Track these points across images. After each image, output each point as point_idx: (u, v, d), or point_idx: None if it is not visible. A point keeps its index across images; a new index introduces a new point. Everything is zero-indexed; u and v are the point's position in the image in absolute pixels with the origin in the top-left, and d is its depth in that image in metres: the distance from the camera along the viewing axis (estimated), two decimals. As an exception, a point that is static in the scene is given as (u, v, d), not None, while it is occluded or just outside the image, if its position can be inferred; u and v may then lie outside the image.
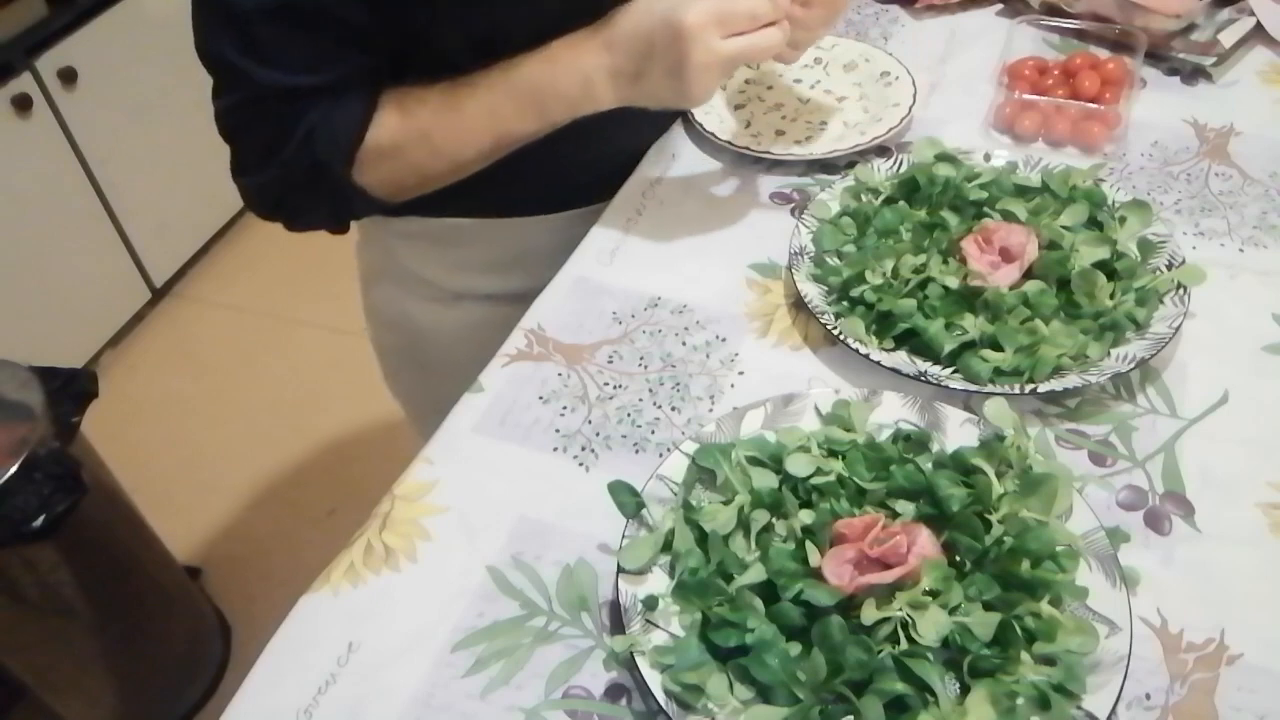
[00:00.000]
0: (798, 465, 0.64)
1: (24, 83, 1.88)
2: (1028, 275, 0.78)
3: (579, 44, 0.78)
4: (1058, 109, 0.97)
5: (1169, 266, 0.79)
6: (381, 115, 0.79)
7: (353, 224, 1.05)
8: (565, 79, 0.78)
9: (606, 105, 0.79)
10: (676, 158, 0.98)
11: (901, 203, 0.86)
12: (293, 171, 0.79)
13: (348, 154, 0.79)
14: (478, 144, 0.80)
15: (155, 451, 2.04)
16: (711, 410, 0.74)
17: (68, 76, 1.95)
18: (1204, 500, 0.67)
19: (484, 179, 0.83)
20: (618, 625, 0.61)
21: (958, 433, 0.68)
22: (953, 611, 0.57)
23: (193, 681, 1.62)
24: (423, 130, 0.79)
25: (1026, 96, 0.98)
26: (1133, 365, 0.71)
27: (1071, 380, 0.71)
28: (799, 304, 0.80)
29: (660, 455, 0.69)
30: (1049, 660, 0.56)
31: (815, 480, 0.64)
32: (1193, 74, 1.05)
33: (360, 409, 2.09)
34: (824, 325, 0.76)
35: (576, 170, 0.93)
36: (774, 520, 0.63)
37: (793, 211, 0.91)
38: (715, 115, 1.00)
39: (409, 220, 0.97)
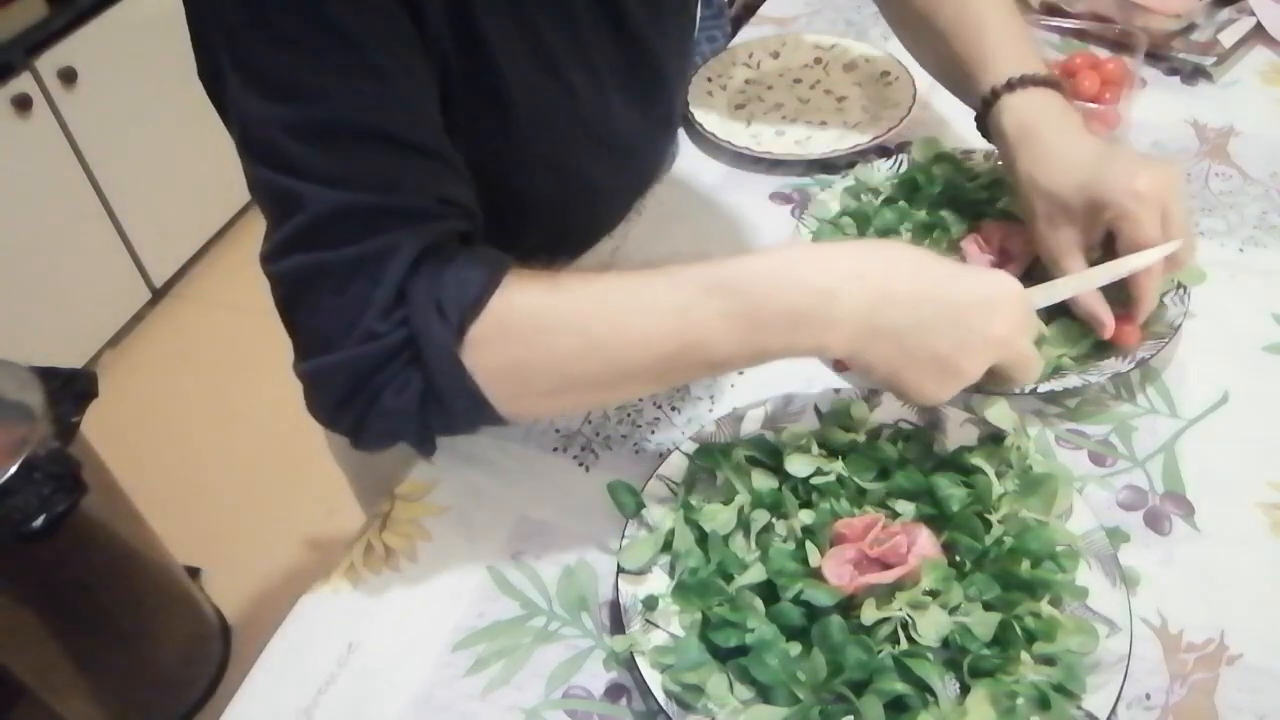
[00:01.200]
0: (798, 465, 0.64)
1: (24, 83, 1.88)
2: (1028, 275, 0.78)
3: (832, 253, 0.60)
4: (1058, 109, 0.97)
5: (1169, 266, 0.79)
6: (517, 281, 0.57)
7: None
8: (799, 287, 0.57)
9: (837, 341, 0.57)
10: (676, 158, 0.98)
11: (901, 203, 0.86)
12: (375, 349, 0.56)
13: (461, 323, 0.55)
14: (656, 347, 0.57)
15: (155, 451, 2.04)
16: (711, 410, 0.74)
17: (68, 76, 1.95)
18: (1204, 500, 0.67)
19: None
20: (618, 625, 0.61)
21: (958, 433, 0.68)
22: (953, 611, 0.57)
23: (193, 681, 1.62)
24: (579, 311, 0.57)
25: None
26: (1133, 365, 0.71)
27: (1071, 380, 0.71)
28: (799, 304, 0.80)
29: (660, 455, 0.69)
30: (1049, 660, 0.56)
31: (815, 480, 0.64)
32: (1193, 74, 1.05)
33: (360, 409, 2.08)
34: (824, 325, 0.76)
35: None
36: (774, 520, 0.63)
37: (793, 211, 0.91)
38: (715, 115, 1.00)
39: None
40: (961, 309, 0.58)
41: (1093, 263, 0.72)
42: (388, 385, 0.56)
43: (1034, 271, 0.78)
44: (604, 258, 0.87)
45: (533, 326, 0.57)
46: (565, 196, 0.78)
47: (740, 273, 0.58)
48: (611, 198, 0.88)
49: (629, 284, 0.58)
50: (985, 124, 0.79)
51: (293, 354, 0.60)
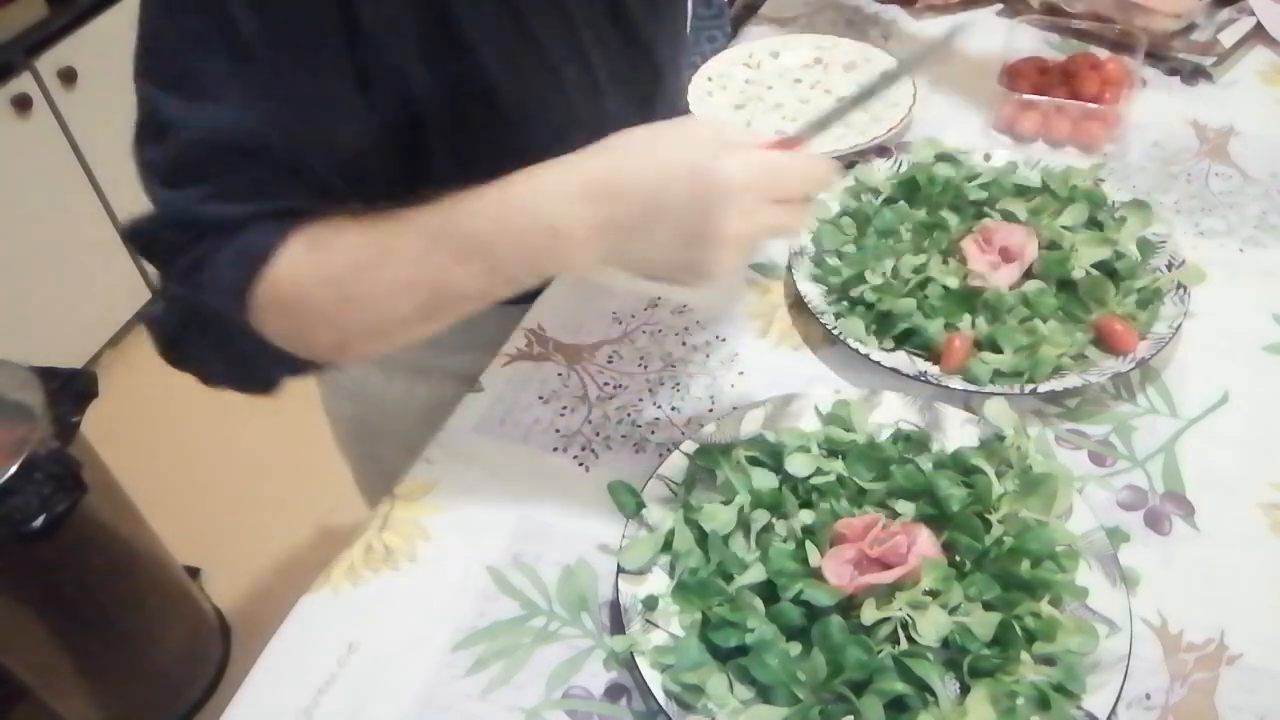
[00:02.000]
0: (798, 465, 0.64)
1: (24, 83, 1.88)
2: (1028, 275, 0.78)
3: (551, 177, 0.58)
4: (1058, 109, 0.97)
5: (1169, 267, 0.79)
6: (287, 250, 0.60)
7: None
8: (526, 226, 0.58)
9: (584, 267, 0.59)
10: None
11: (901, 203, 0.86)
12: (178, 310, 0.65)
13: (238, 296, 0.60)
14: (409, 296, 0.61)
15: (155, 451, 2.04)
16: (711, 410, 0.74)
17: (68, 76, 1.95)
18: (1204, 500, 0.67)
19: None
20: (618, 625, 0.61)
21: (958, 433, 0.68)
22: (953, 611, 0.57)
23: (193, 681, 1.62)
24: (333, 271, 0.61)
25: (1026, 96, 0.98)
26: (1133, 365, 0.71)
27: (1071, 380, 0.71)
28: (799, 304, 0.80)
29: (660, 455, 0.69)
30: (1049, 660, 0.56)
31: (815, 480, 0.64)
32: (1193, 74, 1.05)
33: (360, 409, 2.09)
34: (824, 325, 0.76)
35: None
36: (774, 520, 0.63)
37: (793, 211, 0.91)
38: (715, 115, 1.00)
39: None
40: (688, 220, 0.55)
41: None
42: (193, 342, 0.66)
43: (1034, 271, 0.78)
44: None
45: (296, 296, 0.61)
46: None
47: (462, 219, 0.59)
48: None
49: (375, 236, 0.60)
50: None
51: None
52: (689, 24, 0.91)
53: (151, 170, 0.60)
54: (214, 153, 0.59)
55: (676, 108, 0.90)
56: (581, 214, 0.56)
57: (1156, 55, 1.06)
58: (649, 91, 0.82)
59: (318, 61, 0.60)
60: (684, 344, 0.80)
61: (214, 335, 0.64)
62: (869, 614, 0.56)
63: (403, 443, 0.71)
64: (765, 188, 0.56)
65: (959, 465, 0.64)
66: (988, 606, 0.57)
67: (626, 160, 0.57)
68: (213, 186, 0.60)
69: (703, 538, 0.62)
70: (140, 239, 0.63)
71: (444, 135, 0.68)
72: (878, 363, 0.73)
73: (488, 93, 0.67)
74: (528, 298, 0.84)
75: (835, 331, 0.75)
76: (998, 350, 0.73)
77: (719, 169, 0.54)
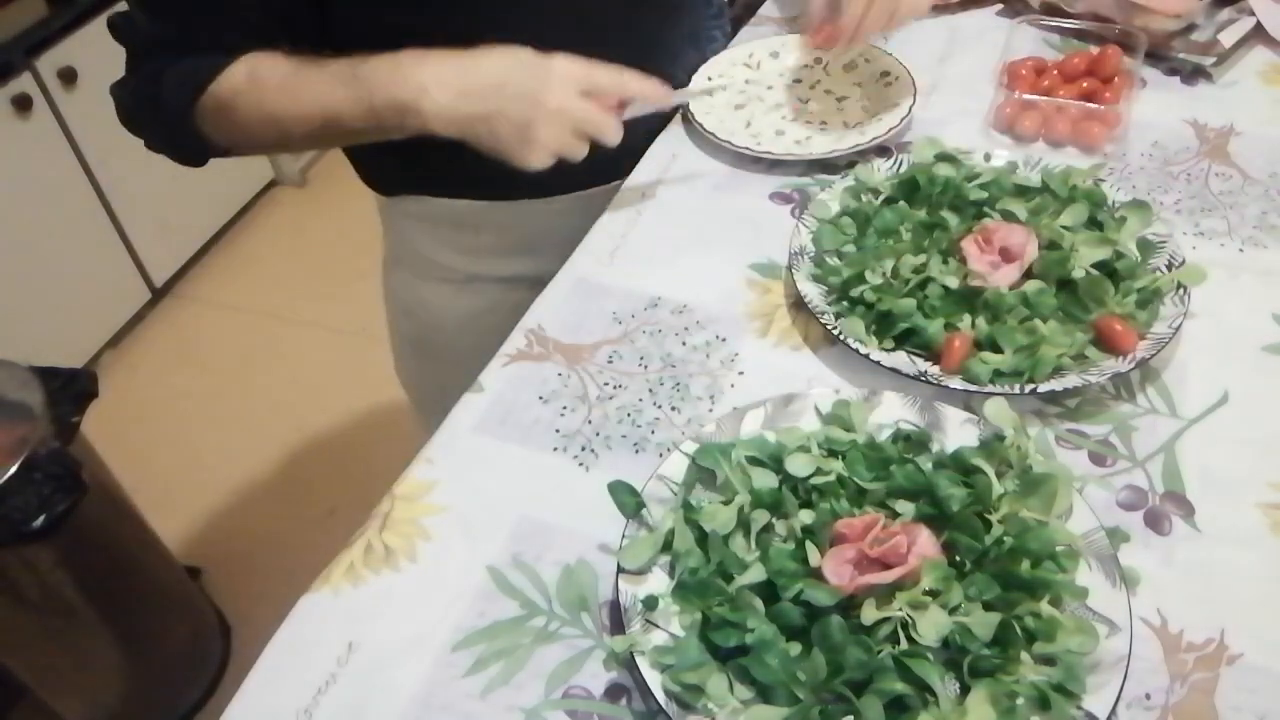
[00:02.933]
0: (798, 465, 0.64)
1: (24, 83, 1.88)
2: (1028, 275, 0.78)
3: (432, 58, 0.78)
4: (1058, 109, 0.97)
5: (1169, 267, 0.79)
6: (231, 70, 0.81)
7: (375, 209, 1.07)
8: (402, 83, 0.77)
9: (436, 127, 0.78)
10: (676, 158, 0.98)
11: (901, 203, 0.86)
12: (139, 99, 0.84)
13: (189, 100, 0.81)
14: (306, 121, 0.81)
15: (155, 451, 2.04)
16: (711, 410, 0.74)
17: (68, 76, 1.95)
18: (1204, 500, 0.67)
19: (483, 160, 0.83)
20: (618, 625, 0.61)
21: (958, 433, 0.68)
22: (953, 611, 0.57)
23: (193, 681, 1.62)
24: (260, 94, 0.81)
25: (1026, 96, 0.98)
26: (1133, 365, 0.71)
27: (1071, 380, 0.71)
28: (799, 304, 0.80)
29: (660, 455, 0.70)
30: (1049, 660, 0.56)
31: (815, 480, 0.64)
32: (1193, 74, 1.05)
33: (360, 409, 2.09)
34: (824, 325, 0.76)
35: None
36: (774, 520, 0.63)
37: (793, 211, 0.91)
38: (715, 115, 1.00)
39: (421, 201, 1.00)
40: (523, 91, 0.77)
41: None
42: (144, 121, 0.86)
43: (1034, 271, 0.78)
44: (605, 258, 0.87)
45: (230, 104, 0.82)
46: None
47: (362, 68, 0.78)
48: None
49: (298, 72, 0.80)
50: None
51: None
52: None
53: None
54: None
55: None
56: (444, 79, 0.77)
57: (1156, 55, 1.06)
58: None
59: None
60: (684, 344, 0.80)
61: (160, 116, 0.84)
62: (869, 614, 0.56)
63: (459, 359, 0.83)
64: (581, 82, 0.78)
65: (959, 465, 0.64)
66: (988, 606, 0.57)
67: (488, 51, 0.78)
68: (180, 21, 0.82)
69: (703, 538, 0.62)
70: (121, 33, 0.84)
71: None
72: (878, 363, 0.73)
73: None
74: (523, 286, 0.86)
75: (835, 331, 0.75)
76: (998, 350, 0.73)
77: (552, 60, 0.78)
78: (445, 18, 0.83)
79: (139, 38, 0.84)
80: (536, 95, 0.76)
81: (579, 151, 0.81)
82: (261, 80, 0.81)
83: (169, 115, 0.83)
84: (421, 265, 1.05)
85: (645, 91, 0.83)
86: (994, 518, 0.60)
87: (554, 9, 0.87)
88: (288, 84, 0.80)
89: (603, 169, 0.94)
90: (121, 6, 0.84)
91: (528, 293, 0.85)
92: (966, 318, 0.76)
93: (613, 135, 0.81)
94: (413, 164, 0.94)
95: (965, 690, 0.55)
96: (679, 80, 1.00)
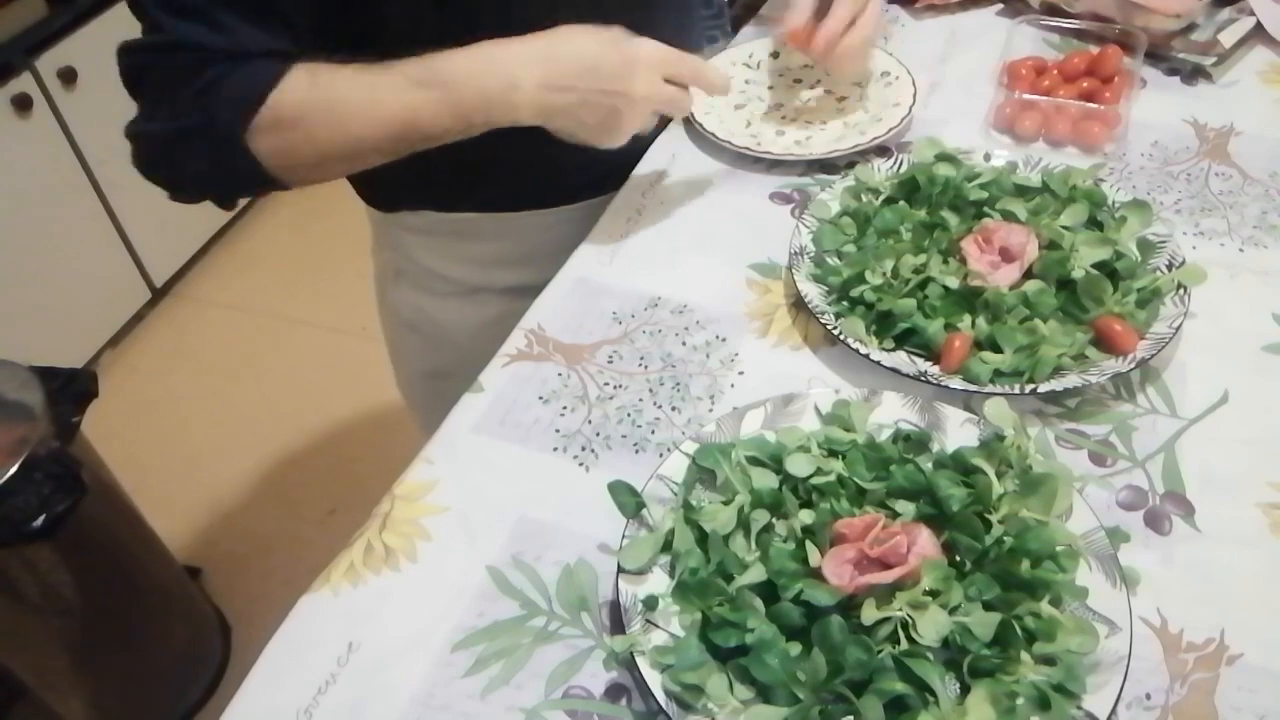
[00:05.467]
0: (798, 465, 0.64)
1: (24, 83, 1.88)
2: (1028, 275, 0.78)
3: (514, 45, 0.76)
4: (1058, 109, 0.97)
5: (1169, 266, 0.79)
6: (290, 79, 0.74)
7: (368, 225, 1.06)
8: (489, 76, 0.75)
9: (525, 117, 0.77)
10: (676, 158, 0.98)
11: (901, 203, 0.86)
12: (183, 125, 0.74)
13: (247, 112, 0.73)
14: (384, 128, 0.76)
15: (155, 451, 2.04)
16: (711, 410, 0.74)
17: (68, 76, 1.95)
18: (1204, 500, 0.67)
19: (486, 173, 0.84)
20: (618, 625, 0.61)
21: (958, 433, 0.68)
22: (953, 611, 0.57)
23: (193, 681, 1.62)
24: (330, 102, 0.75)
25: (1026, 96, 0.98)
26: (1133, 365, 0.71)
27: (1071, 380, 0.71)
28: (799, 304, 0.80)
29: (660, 455, 0.69)
30: (1049, 660, 0.56)
31: (815, 480, 0.64)
32: (1193, 74, 1.05)
33: (360, 409, 2.09)
34: (824, 325, 0.76)
35: (576, 168, 0.93)
36: (774, 520, 0.63)
37: (793, 211, 0.91)
38: (715, 115, 1.00)
39: (422, 215, 0.98)
40: (610, 80, 0.76)
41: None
42: (186, 153, 0.75)
43: (1034, 271, 0.78)
44: (605, 257, 0.87)
45: (295, 115, 0.74)
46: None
47: (443, 66, 0.75)
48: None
49: (365, 76, 0.75)
50: None
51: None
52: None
53: (164, 7, 0.72)
54: None
55: None
56: (532, 70, 0.75)
57: (1156, 55, 1.06)
58: None
59: None
60: (684, 344, 0.80)
61: (196, 154, 0.75)
62: (869, 614, 0.56)
63: (469, 373, 0.80)
64: (665, 67, 0.79)
65: (959, 465, 0.64)
66: (988, 606, 0.57)
67: (570, 35, 0.77)
68: (214, 19, 0.72)
69: (703, 538, 0.62)
70: (136, 67, 0.75)
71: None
72: (878, 363, 0.73)
73: None
74: (529, 295, 0.85)
75: (835, 331, 0.75)
76: (998, 350, 0.73)
77: (636, 43, 0.77)
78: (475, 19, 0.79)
79: (172, 63, 0.74)
80: (625, 82, 0.76)
81: (649, 127, 0.83)
82: (327, 86, 0.75)
83: (219, 137, 0.74)
84: (426, 279, 1.03)
85: (713, 82, 0.84)
86: (994, 518, 0.60)
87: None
88: (357, 89, 0.75)
89: (606, 178, 0.95)
90: (126, 33, 0.75)
91: (530, 302, 0.84)
92: (966, 318, 0.76)
93: (687, 110, 0.84)
94: (416, 178, 0.91)
95: (965, 690, 0.55)
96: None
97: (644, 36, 0.79)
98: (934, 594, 0.57)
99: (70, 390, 1.28)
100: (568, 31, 0.77)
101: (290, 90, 0.74)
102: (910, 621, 0.56)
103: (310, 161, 0.77)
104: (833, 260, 0.82)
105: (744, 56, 1.08)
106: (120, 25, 2.03)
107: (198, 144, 0.74)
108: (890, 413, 0.70)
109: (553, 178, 0.94)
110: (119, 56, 0.75)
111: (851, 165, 0.92)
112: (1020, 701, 0.54)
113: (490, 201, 0.96)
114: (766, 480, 0.65)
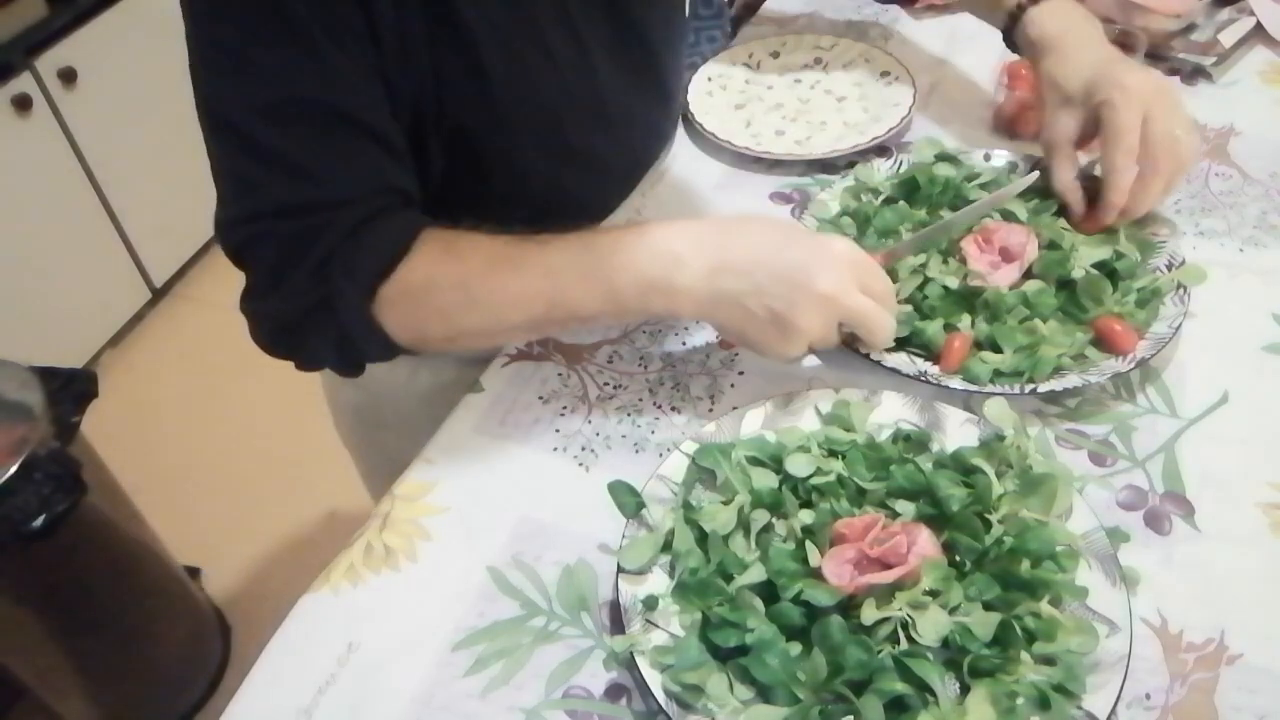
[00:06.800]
0: (798, 465, 0.64)
1: (24, 83, 1.88)
2: (1027, 275, 0.78)
3: (683, 224, 0.67)
4: (1058, 109, 0.97)
5: (1169, 267, 0.79)
6: (421, 248, 0.67)
7: None
8: (650, 255, 0.65)
9: (685, 307, 0.66)
10: (676, 158, 0.98)
11: (901, 203, 0.86)
12: (306, 303, 0.66)
13: (370, 287, 0.66)
14: (527, 306, 0.67)
15: (155, 451, 2.04)
16: (711, 410, 0.74)
17: (68, 76, 1.95)
18: (1204, 500, 0.67)
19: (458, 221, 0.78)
20: (618, 625, 0.61)
21: (958, 433, 0.68)
22: (953, 611, 0.57)
23: (193, 681, 1.62)
24: (464, 274, 0.67)
25: (1027, 96, 0.98)
26: (1133, 365, 0.71)
27: (1071, 380, 0.71)
28: (799, 304, 0.80)
29: (660, 455, 0.69)
30: (1049, 660, 0.56)
31: (815, 480, 0.64)
32: (1193, 74, 1.05)
33: (360, 409, 2.08)
34: (824, 325, 0.76)
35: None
36: (774, 520, 0.63)
37: (793, 211, 0.91)
38: (715, 115, 1.00)
39: None
40: (790, 270, 0.64)
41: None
42: (311, 330, 0.68)
43: (1034, 271, 0.78)
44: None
45: (426, 288, 0.67)
46: (557, 168, 0.80)
47: (600, 241, 0.67)
48: (607, 171, 0.89)
49: (509, 249, 0.67)
50: (1012, 37, 0.90)
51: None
52: (686, 7, 0.93)
53: (258, 160, 0.64)
54: (320, 124, 0.64)
55: (671, 90, 0.91)
56: (704, 250, 0.65)
57: (1156, 55, 1.06)
58: (643, 71, 0.83)
59: (354, 47, 0.64)
60: (684, 344, 0.80)
61: (323, 330, 0.68)
62: (869, 614, 0.56)
63: (406, 430, 0.74)
64: (860, 272, 0.66)
65: (959, 465, 0.64)
66: (988, 606, 0.57)
67: (752, 221, 0.69)
68: (319, 165, 0.65)
69: (703, 538, 0.62)
70: (239, 243, 0.67)
71: (437, 123, 0.71)
72: (878, 363, 0.73)
73: (477, 60, 0.69)
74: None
75: (835, 331, 0.75)
76: (998, 350, 0.73)
77: (832, 241, 0.67)
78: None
79: (279, 234, 0.65)
80: (808, 275, 0.64)
81: (831, 341, 0.69)
82: (462, 257, 0.67)
83: (345, 318, 0.67)
84: None
85: (879, 331, 0.68)
86: (994, 518, 0.60)
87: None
88: (497, 265, 0.66)
89: (591, 215, 0.88)
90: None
91: (475, 370, 0.79)
92: (966, 318, 0.76)
93: (883, 330, 0.68)
94: None
95: (965, 690, 0.55)
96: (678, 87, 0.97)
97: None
98: (934, 594, 0.57)
99: (70, 390, 1.28)
100: (742, 217, 0.70)
101: (421, 259, 0.67)
102: (910, 621, 0.56)
103: (439, 334, 0.69)
104: (833, 260, 0.82)
105: (744, 56, 1.08)
106: (120, 25, 2.04)
107: (324, 322, 0.67)
108: (890, 413, 0.70)
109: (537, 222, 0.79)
110: (218, 233, 0.68)
111: (851, 165, 0.92)
112: (1020, 701, 0.54)
113: None
114: (766, 480, 0.65)
